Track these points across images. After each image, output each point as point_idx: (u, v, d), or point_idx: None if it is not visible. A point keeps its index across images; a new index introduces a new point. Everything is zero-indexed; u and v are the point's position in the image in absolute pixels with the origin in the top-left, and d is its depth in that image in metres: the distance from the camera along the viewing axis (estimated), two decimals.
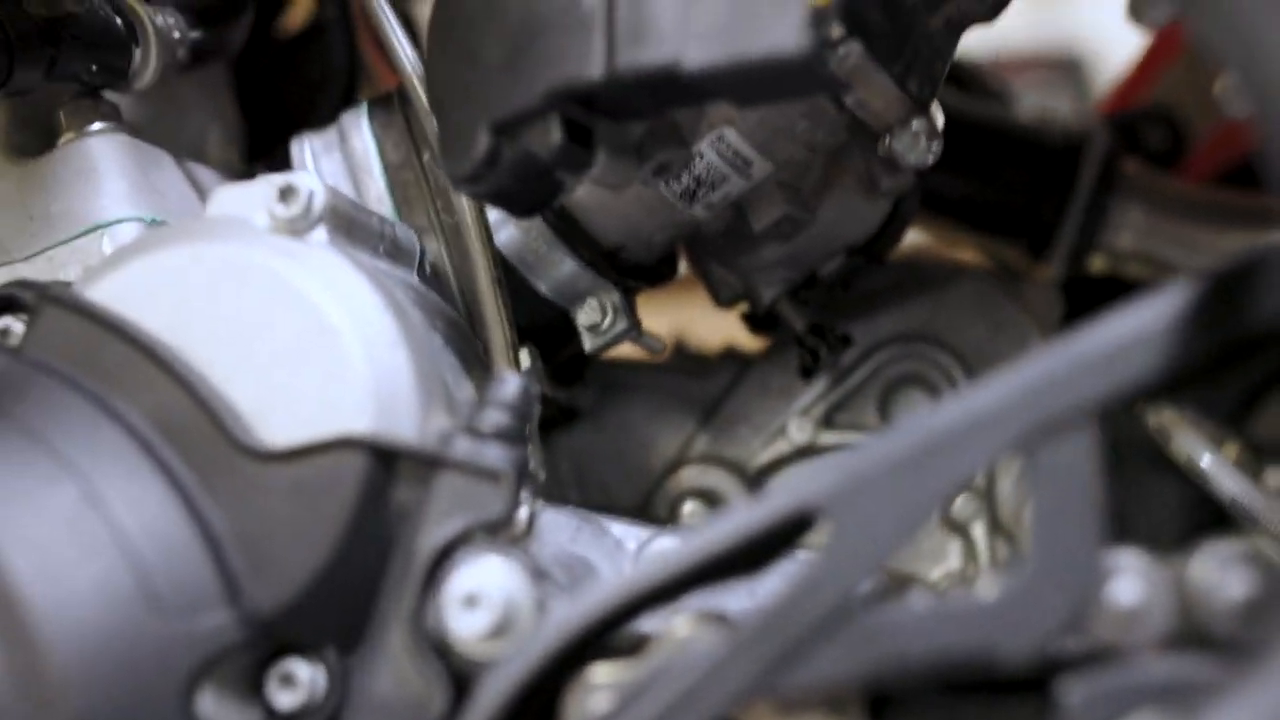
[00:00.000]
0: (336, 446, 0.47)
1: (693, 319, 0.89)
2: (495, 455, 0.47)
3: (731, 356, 0.82)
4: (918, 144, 0.59)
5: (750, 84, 0.47)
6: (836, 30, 0.54)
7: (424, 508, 0.47)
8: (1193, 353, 0.43)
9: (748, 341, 0.83)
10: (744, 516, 0.43)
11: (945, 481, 0.43)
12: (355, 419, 0.49)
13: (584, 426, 0.80)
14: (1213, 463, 0.73)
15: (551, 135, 0.49)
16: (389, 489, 0.48)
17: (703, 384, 0.80)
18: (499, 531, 0.47)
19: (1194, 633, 0.43)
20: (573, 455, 0.79)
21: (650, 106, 0.51)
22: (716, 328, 0.86)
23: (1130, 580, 0.44)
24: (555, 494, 0.77)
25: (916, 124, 0.59)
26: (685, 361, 0.83)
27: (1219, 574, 0.44)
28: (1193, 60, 0.97)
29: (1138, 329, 0.43)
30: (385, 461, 0.47)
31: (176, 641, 0.45)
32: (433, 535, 0.46)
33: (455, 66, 0.52)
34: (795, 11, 0.45)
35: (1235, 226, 0.87)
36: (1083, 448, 0.43)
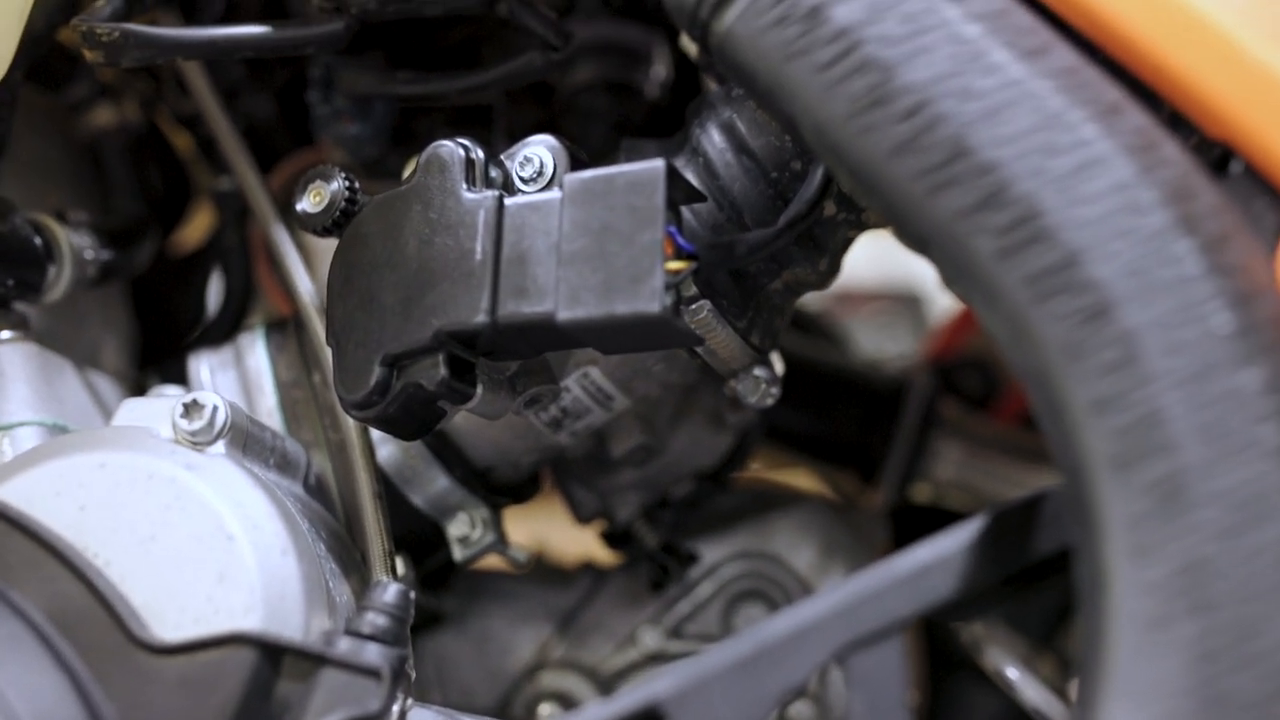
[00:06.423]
0: (226, 642, 0.51)
1: (552, 531, 0.94)
2: (375, 654, 0.52)
3: (588, 568, 0.87)
4: (758, 388, 0.66)
5: (614, 336, 0.55)
6: (690, 289, 0.62)
7: (306, 702, 0.51)
8: (984, 575, 0.51)
9: (603, 554, 0.88)
10: (595, 713, 0.48)
11: (777, 684, 0.49)
12: (245, 618, 0.53)
13: (447, 630, 0.84)
14: (1018, 674, 0.81)
15: (438, 370, 0.56)
16: (274, 684, 0.52)
17: (561, 593, 0.85)
18: None
19: None
20: (435, 658, 0.83)
21: (525, 349, 0.58)
22: (575, 539, 0.91)
23: None
24: (418, 695, 0.80)
25: (758, 371, 0.66)
26: (544, 572, 0.88)
27: None
28: None
29: (937, 555, 0.51)
30: (272, 657, 0.52)
31: None
32: None
33: (355, 306, 0.58)
34: (656, 276, 0.52)
35: (1039, 463, 0.98)
36: (892, 656, 0.50)
